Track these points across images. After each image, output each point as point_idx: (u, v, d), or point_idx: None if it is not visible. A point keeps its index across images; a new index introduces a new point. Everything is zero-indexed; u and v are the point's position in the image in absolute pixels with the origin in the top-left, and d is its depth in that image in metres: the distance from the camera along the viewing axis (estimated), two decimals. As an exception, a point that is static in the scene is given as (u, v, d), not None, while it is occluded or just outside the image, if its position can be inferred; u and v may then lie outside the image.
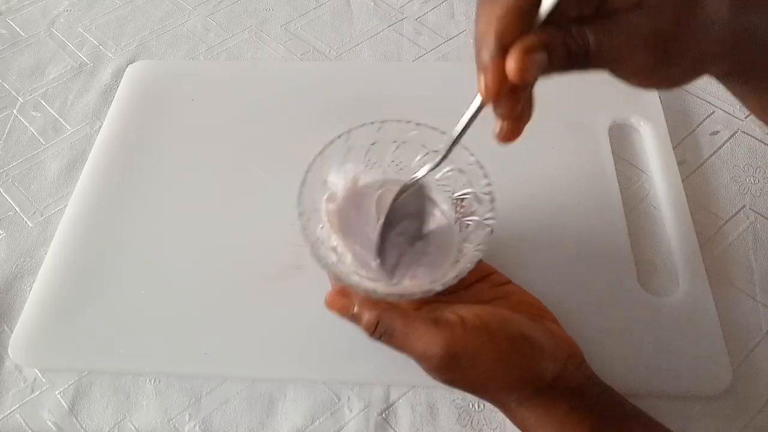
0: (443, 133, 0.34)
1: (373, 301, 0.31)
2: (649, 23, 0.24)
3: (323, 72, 0.55)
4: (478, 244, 0.32)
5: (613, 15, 0.24)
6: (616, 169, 0.45)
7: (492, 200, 0.33)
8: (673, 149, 0.46)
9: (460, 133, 0.29)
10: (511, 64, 0.23)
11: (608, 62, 0.25)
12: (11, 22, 0.63)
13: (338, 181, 0.36)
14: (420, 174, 0.33)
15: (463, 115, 0.28)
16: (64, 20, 0.63)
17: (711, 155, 0.47)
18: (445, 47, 0.57)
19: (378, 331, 0.31)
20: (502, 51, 0.24)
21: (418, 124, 0.34)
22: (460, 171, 0.34)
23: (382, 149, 0.36)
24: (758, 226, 0.43)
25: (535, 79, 0.25)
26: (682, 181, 0.45)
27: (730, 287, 0.40)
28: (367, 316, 0.31)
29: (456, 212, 0.36)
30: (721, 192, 0.45)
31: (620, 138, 0.48)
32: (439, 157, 0.31)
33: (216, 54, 0.59)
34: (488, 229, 0.32)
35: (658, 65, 0.25)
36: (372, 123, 0.34)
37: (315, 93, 0.52)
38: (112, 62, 0.58)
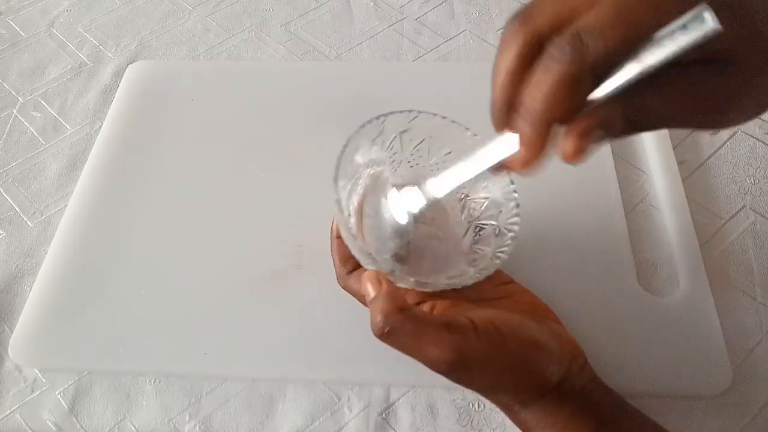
0: (476, 135, 0.35)
1: (390, 297, 0.30)
2: (713, 85, 0.22)
3: (323, 72, 0.55)
4: (501, 247, 0.33)
5: (674, 73, 0.21)
6: (616, 169, 0.45)
7: (517, 206, 0.33)
8: (673, 149, 0.46)
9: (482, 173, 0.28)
10: (568, 147, 0.22)
11: (662, 124, 0.23)
12: (11, 22, 0.63)
13: (361, 161, 0.36)
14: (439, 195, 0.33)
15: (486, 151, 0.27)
16: (64, 20, 0.63)
17: (711, 155, 0.47)
18: (445, 47, 0.57)
19: (383, 329, 0.29)
20: (547, 126, 0.22)
21: (453, 122, 0.35)
22: (483, 177, 0.35)
23: (407, 140, 0.36)
24: (758, 226, 0.43)
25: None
26: (682, 181, 0.45)
27: (730, 287, 0.40)
28: (378, 312, 0.29)
29: (462, 212, 0.37)
30: (721, 192, 0.45)
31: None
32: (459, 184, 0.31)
33: (216, 54, 0.59)
34: (511, 234, 0.32)
35: (713, 123, 0.23)
36: (410, 111, 0.34)
37: (315, 93, 0.52)
38: (112, 62, 0.58)
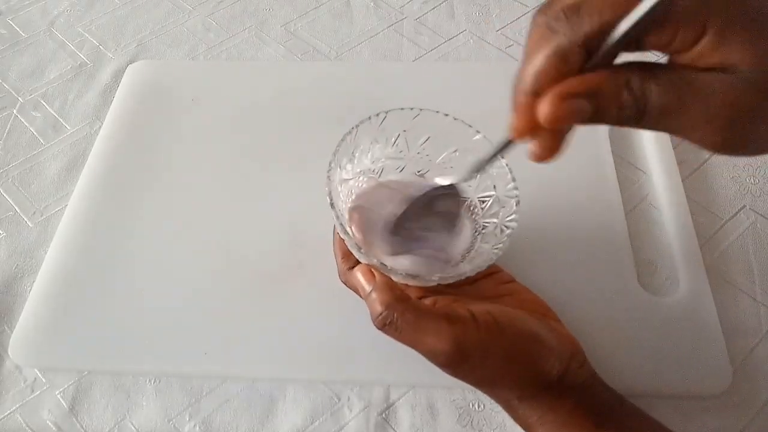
0: (478, 132, 0.35)
1: (388, 287, 0.30)
2: (732, 95, 0.19)
3: (323, 72, 0.55)
4: (497, 244, 0.33)
5: (686, 71, 0.20)
6: (616, 169, 0.45)
7: (517, 203, 0.33)
8: (673, 149, 0.46)
9: (492, 156, 0.29)
10: (544, 109, 0.21)
11: (669, 128, 0.21)
12: (11, 22, 0.63)
13: (364, 159, 0.37)
14: (451, 181, 0.33)
15: (496, 143, 0.27)
16: (64, 20, 0.63)
17: (711, 155, 0.47)
18: (445, 47, 0.57)
19: (384, 320, 0.30)
20: (535, 92, 0.22)
21: (455, 119, 0.35)
22: (486, 173, 0.35)
23: (412, 139, 0.37)
24: (758, 226, 0.43)
25: (572, 126, 0.23)
26: (682, 181, 0.45)
27: (730, 287, 0.41)
28: (378, 303, 0.30)
29: (471, 213, 0.37)
30: (721, 192, 0.45)
31: (620, 138, 0.48)
32: (468, 174, 0.32)
33: (216, 54, 0.59)
34: (508, 231, 0.33)
35: (732, 143, 0.21)
36: (411, 109, 0.35)
37: (315, 93, 0.52)
38: (112, 62, 0.58)
